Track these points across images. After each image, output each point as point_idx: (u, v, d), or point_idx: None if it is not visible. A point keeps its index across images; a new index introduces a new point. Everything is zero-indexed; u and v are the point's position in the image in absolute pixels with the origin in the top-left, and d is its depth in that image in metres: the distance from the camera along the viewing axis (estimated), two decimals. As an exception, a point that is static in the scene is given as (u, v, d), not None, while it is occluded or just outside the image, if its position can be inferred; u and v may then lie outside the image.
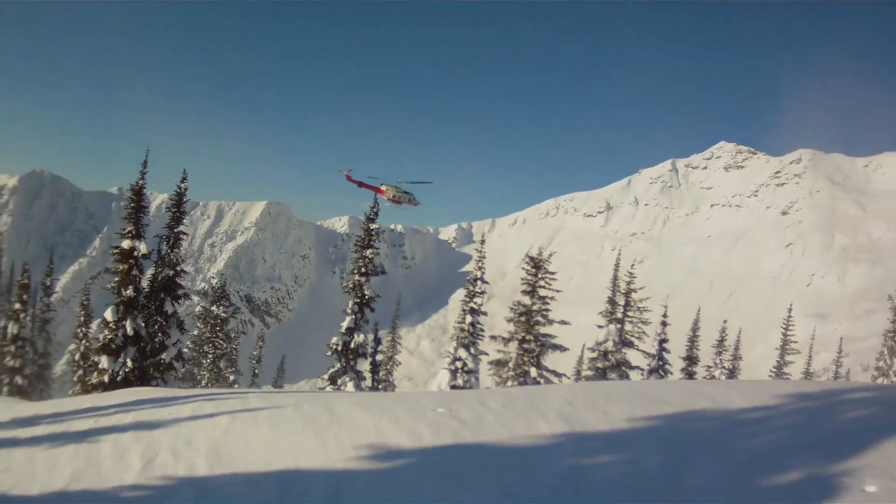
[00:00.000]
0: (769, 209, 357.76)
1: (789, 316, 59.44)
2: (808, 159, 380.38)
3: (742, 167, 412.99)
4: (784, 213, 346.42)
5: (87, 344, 50.76)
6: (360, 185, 45.55)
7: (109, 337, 29.67)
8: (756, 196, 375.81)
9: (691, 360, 53.67)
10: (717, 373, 57.70)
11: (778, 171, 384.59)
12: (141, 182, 30.67)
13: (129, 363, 29.54)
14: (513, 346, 40.09)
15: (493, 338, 40.32)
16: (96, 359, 30.19)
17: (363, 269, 35.81)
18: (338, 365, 35.95)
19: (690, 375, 53.34)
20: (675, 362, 50.72)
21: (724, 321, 60.77)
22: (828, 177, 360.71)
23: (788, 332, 59.05)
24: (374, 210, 35.84)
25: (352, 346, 35.68)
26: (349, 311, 35.83)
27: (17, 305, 52.85)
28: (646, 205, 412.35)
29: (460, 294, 40.85)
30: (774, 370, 59.95)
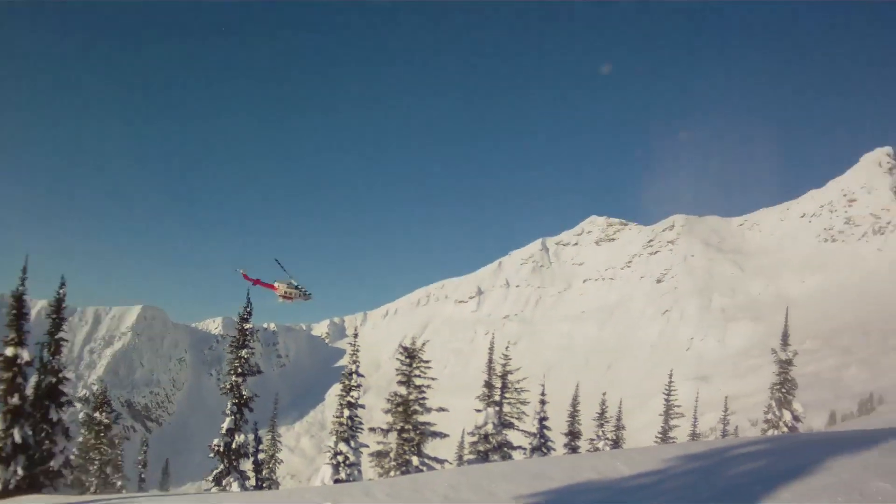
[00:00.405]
0: (643, 278, 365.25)
1: (670, 381, 60.56)
2: (681, 224, 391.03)
3: (614, 239, 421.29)
4: (659, 281, 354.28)
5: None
6: (256, 282, 45.51)
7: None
8: (629, 267, 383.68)
9: (573, 434, 54.32)
10: (600, 444, 58.12)
11: (651, 240, 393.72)
12: (21, 288, 30.78)
13: (20, 471, 29.40)
14: (392, 436, 40.41)
15: (372, 430, 40.54)
16: (-14, 468, 29.86)
17: (239, 370, 35.78)
18: (221, 466, 35.53)
19: (574, 450, 53.99)
20: (558, 438, 51.33)
21: (604, 393, 61.28)
22: (703, 240, 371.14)
23: (671, 397, 60.12)
24: (248, 310, 36.12)
25: (233, 446, 35.50)
26: (228, 411, 35.68)
27: None
28: (517, 286, 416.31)
29: (336, 389, 40.88)
30: (660, 435, 60.62)
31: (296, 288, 47.24)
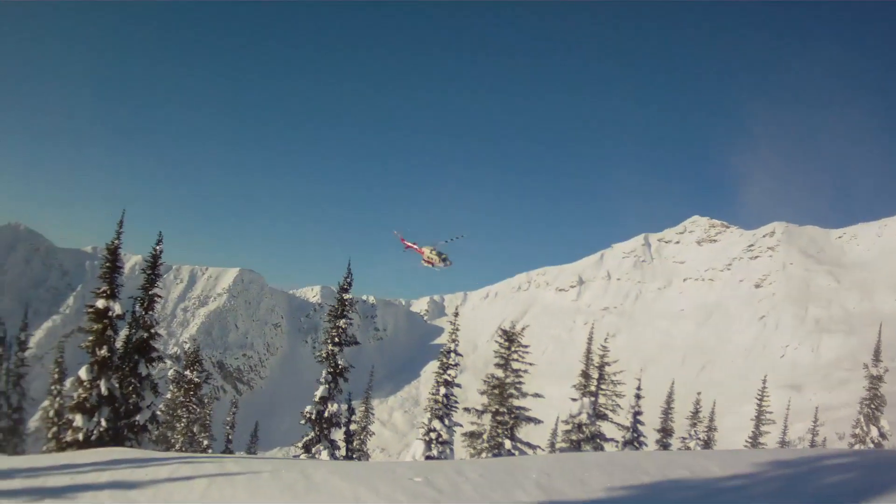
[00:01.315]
0: (742, 282, 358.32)
1: (764, 387, 59.58)
2: (781, 232, 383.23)
3: (715, 241, 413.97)
4: (757, 286, 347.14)
5: (62, 401, 50.36)
6: (409, 246, 46.84)
7: (84, 396, 29.40)
8: (729, 269, 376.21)
9: (666, 431, 53.99)
10: (691, 444, 57.79)
11: (751, 245, 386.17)
12: (116, 242, 30.64)
13: (104, 423, 29.26)
14: (486, 418, 40.10)
15: (466, 410, 40.31)
16: (71, 417, 29.89)
17: (336, 339, 35.58)
18: (312, 433, 35.60)
19: (665, 447, 53.74)
20: (650, 434, 50.92)
21: (698, 393, 61.24)
22: (801, 249, 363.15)
23: (763, 403, 59.44)
24: (348, 280, 35.82)
25: (326, 415, 35.43)
26: (323, 380, 35.57)
27: (-8, 358, 52.28)
28: (618, 279, 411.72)
29: (432, 366, 40.91)
30: (750, 440, 60.21)
31: (438, 255, 48.23)
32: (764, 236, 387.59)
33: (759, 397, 59.99)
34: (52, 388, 52.30)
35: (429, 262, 47.92)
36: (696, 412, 58.50)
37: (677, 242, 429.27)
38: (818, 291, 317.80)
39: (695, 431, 57.84)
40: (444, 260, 48.23)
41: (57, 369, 53.57)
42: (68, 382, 48.66)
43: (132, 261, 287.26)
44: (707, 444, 58.72)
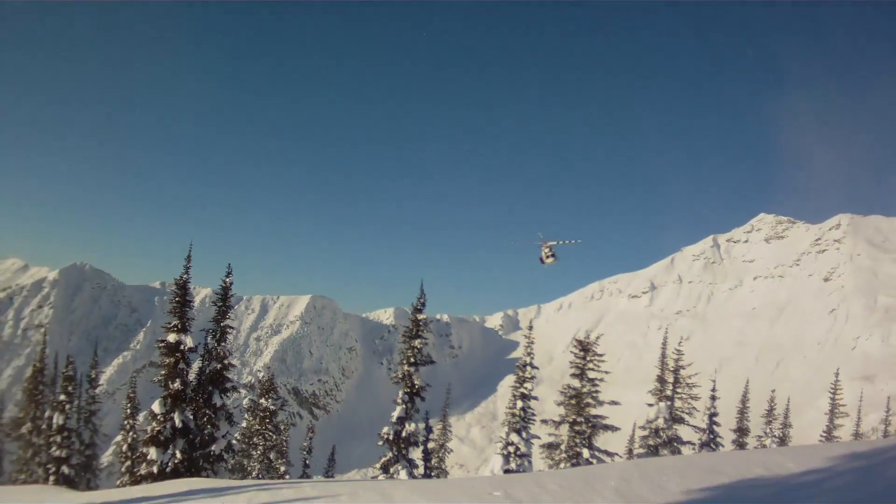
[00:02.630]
0: (811, 277, 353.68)
1: (836, 380, 60.17)
2: (847, 224, 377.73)
3: (783, 237, 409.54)
4: (826, 280, 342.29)
5: (135, 435, 51.24)
6: (544, 243, 48.44)
7: (158, 429, 29.80)
8: (798, 265, 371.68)
9: (742, 431, 54.23)
10: (767, 442, 58.12)
11: (818, 239, 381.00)
12: (185, 276, 31.06)
13: (179, 455, 29.65)
14: (564, 428, 40.48)
15: (544, 422, 40.83)
16: (145, 450, 30.28)
17: (412, 360, 35.71)
18: (390, 454, 35.74)
19: (741, 446, 54.09)
20: (726, 434, 51.27)
21: (773, 391, 61.74)
22: (867, 239, 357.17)
23: (836, 397, 60.06)
24: (421, 301, 35.70)
25: (403, 435, 35.46)
26: (399, 400, 35.68)
27: (63, 396, 53.23)
28: (689, 282, 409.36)
29: (509, 380, 41.15)
30: (824, 434, 60.41)
31: (553, 253, 49.72)
32: (830, 229, 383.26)
33: (831, 391, 60.36)
34: (125, 422, 53.21)
35: (549, 258, 49.27)
36: (770, 410, 59.17)
37: (745, 241, 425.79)
38: (886, 280, 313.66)
39: (770, 429, 58.20)
40: (555, 256, 49.69)
41: (129, 404, 54.46)
42: (141, 417, 49.58)
43: (202, 294, 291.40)
44: (783, 440, 59.01)
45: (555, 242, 48.63)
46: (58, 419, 52.78)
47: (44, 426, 58.13)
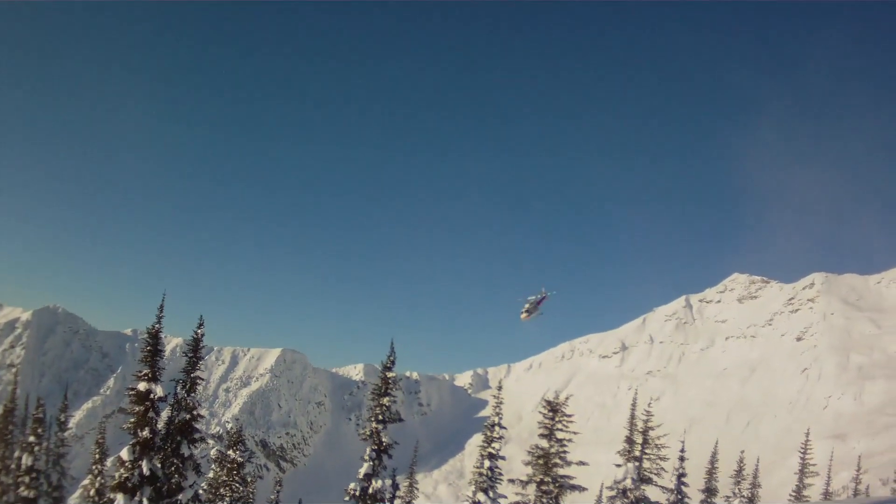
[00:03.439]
0: (784, 336, 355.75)
1: (807, 440, 61.40)
2: (820, 283, 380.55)
3: (756, 297, 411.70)
4: (799, 339, 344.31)
5: (103, 480, 51.30)
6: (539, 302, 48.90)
7: (126, 476, 29.70)
8: (770, 325, 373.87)
9: (710, 491, 54.73)
10: (735, 502, 58.74)
11: (791, 298, 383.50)
12: (157, 326, 31.06)
13: (146, 502, 29.63)
14: (531, 488, 40.59)
15: (511, 481, 40.81)
16: (112, 496, 30.09)
17: (381, 417, 35.81)
18: (356, 510, 35.71)
19: None
20: (695, 495, 51.65)
21: (742, 451, 62.74)
22: (841, 298, 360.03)
23: (807, 456, 60.64)
24: (391, 359, 36.00)
25: (370, 491, 35.51)
26: (367, 457, 35.79)
27: (32, 438, 53.58)
28: (661, 342, 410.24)
29: (477, 439, 41.42)
30: (794, 494, 61.30)
31: (536, 305, 50.18)
32: (804, 288, 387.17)
33: (802, 450, 61.44)
34: (94, 467, 53.16)
35: (529, 313, 49.91)
36: (739, 470, 59.84)
37: (718, 301, 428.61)
38: (859, 339, 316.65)
39: (738, 489, 58.55)
40: (529, 312, 50.21)
41: (98, 449, 54.46)
42: (109, 462, 49.33)
43: (173, 343, 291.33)
44: (751, 501, 59.62)
45: (532, 297, 49.18)
46: (26, 460, 52.89)
47: (12, 466, 58.14)
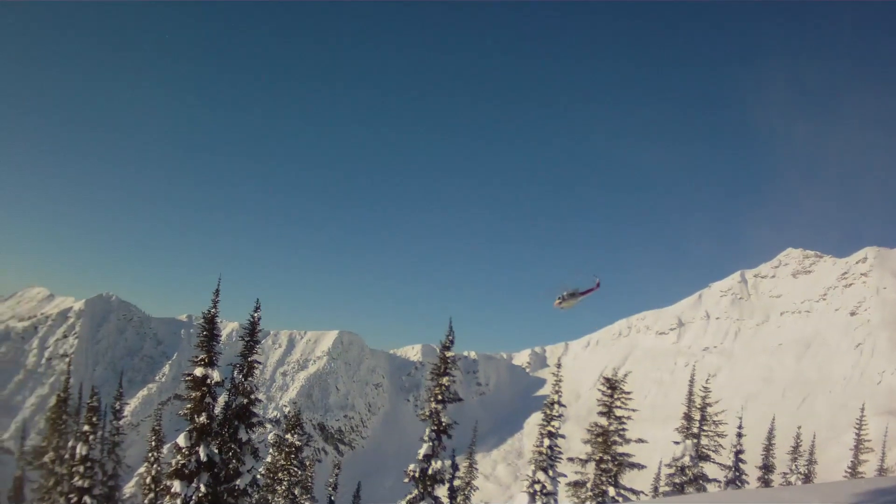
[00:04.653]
0: (838, 311, 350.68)
1: (862, 416, 60.99)
2: (873, 257, 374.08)
3: (810, 272, 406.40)
4: (852, 314, 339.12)
5: (159, 468, 51.52)
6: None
7: (182, 462, 29.74)
8: (825, 300, 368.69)
9: (767, 468, 54.56)
10: (792, 478, 58.30)
11: (845, 273, 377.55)
12: (213, 311, 31.15)
13: (203, 488, 29.65)
14: (590, 466, 40.44)
15: (570, 459, 40.79)
16: (169, 483, 30.18)
17: (440, 397, 35.63)
18: (415, 491, 35.63)
19: (767, 483, 54.66)
20: (752, 472, 51.38)
21: (799, 427, 62.35)
22: (893, 272, 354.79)
23: (861, 432, 60.71)
24: (450, 339, 35.93)
25: (429, 472, 35.43)
26: (426, 438, 35.65)
27: (87, 427, 53.61)
28: (717, 318, 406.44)
29: (535, 418, 41.31)
30: (849, 470, 60.93)
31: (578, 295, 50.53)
32: (857, 262, 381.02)
33: (857, 426, 61.17)
34: (150, 454, 53.46)
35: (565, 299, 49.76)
36: (796, 446, 59.59)
37: (773, 276, 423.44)
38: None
39: (795, 466, 58.22)
40: (564, 300, 50.05)
41: (154, 437, 54.74)
42: (165, 449, 49.69)
43: (229, 328, 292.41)
44: (808, 477, 59.10)
45: (570, 292, 48.65)
46: (81, 449, 53.11)
47: (66, 456, 58.70)
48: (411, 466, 35.51)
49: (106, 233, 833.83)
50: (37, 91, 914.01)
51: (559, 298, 48.34)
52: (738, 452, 49.61)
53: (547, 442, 39.71)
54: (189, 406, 30.53)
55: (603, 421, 40.22)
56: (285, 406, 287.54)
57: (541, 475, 39.23)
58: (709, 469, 46.30)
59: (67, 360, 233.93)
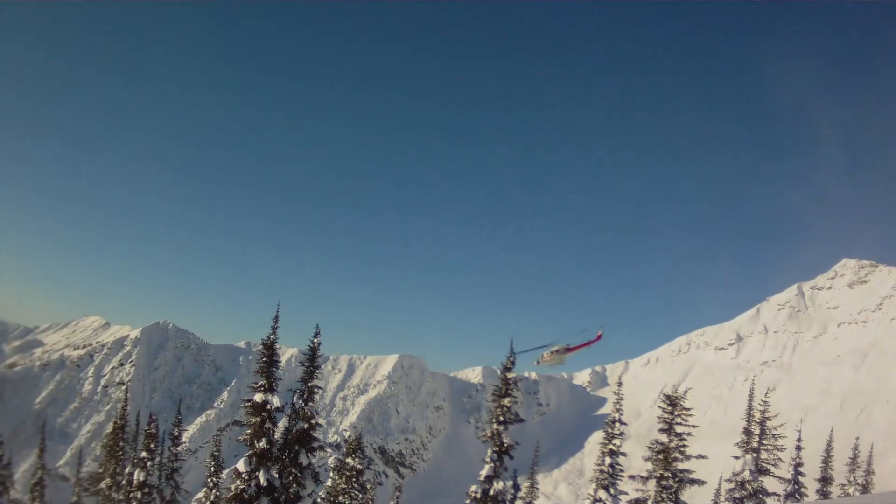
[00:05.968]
0: (894, 320, 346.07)
1: None
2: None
3: (865, 282, 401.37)
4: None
5: (218, 493, 51.88)
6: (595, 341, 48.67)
7: (242, 487, 30.10)
8: (881, 309, 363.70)
9: (826, 480, 54.68)
10: (851, 490, 58.35)
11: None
12: (273, 337, 31.40)
13: (262, 513, 29.79)
14: (651, 484, 40.50)
15: (631, 477, 40.77)
16: (228, 507, 30.56)
17: (501, 418, 35.47)
18: (477, 512, 35.80)
19: (825, 495, 54.35)
20: (810, 484, 51.23)
21: (857, 438, 62.27)
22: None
23: None
24: (511, 360, 35.70)
25: (491, 493, 35.32)
26: (488, 459, 35.63)
27: (144, 454, 54.29)
28: (775, 332, 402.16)
29: (596, 437, 41.52)
30: None
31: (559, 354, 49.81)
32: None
33: None
34: (209, 480, 53.85)
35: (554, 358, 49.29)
36: (854, 458, 59.50)
37: (829, 288, 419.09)
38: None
39: (853, 477, 57.95)
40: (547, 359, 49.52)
41: (213, 462, 55.11)
42: (224, 474, 50.31)
43: (287, 353, 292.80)
44: (865, 488, 58.95)
45: (559, 347, 47.89)
46: (138, 475, 53.75)
47: (123, 482, 59.36)
48: (473, 487, 35.52)
49: (162, 262, 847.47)
50: (93, 124, 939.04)
51: (544, 355, 47.75)
52: (798, 465, 49.53)
53: (608, 460, 39.92)
54: (249, 431, 30.94)
55: (663, 438, 40.35)
56: (345, 430, 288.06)
57: (602, 493, 39.47)
58: (768, 483, 46.22)
59: (124, 387, 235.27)
